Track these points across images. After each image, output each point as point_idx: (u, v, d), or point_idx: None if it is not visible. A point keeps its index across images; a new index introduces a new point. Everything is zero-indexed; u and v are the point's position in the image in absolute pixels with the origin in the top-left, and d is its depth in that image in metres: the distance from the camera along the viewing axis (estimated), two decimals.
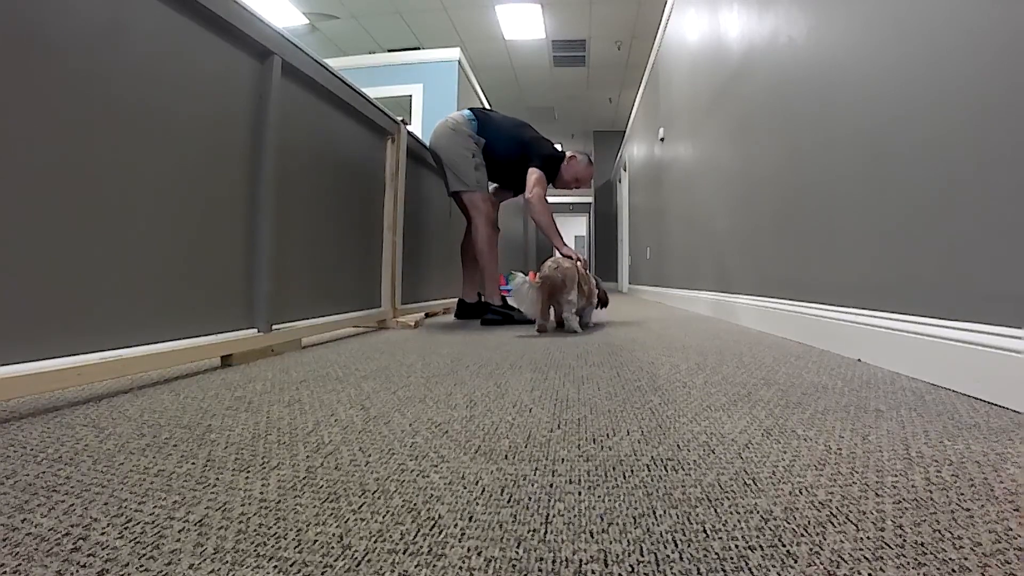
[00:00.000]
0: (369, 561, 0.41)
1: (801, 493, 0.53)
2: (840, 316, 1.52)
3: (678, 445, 0.69)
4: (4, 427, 0.76)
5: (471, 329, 2.29)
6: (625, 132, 8.27)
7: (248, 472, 0.59)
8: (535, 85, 8.21)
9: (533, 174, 2.48)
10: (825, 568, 0.40)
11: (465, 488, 0.55)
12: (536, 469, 0.61)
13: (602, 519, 0.48)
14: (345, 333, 2.12)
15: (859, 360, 1.37)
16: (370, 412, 0.85)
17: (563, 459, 0.64)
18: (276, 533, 0.45)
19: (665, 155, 4.72)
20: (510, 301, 2.13)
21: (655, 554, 0.42)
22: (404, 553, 0.42)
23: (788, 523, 0.47)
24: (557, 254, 2.33)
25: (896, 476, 0.58)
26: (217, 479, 0.57)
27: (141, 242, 1.10)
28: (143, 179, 1.11)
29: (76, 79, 0.96)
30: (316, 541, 0.44)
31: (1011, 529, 0.45)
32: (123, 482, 0.56)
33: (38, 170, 0.90)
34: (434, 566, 0.40)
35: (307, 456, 0.64)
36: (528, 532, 0.46)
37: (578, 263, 2.20)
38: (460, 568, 0.40)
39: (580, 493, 0.54)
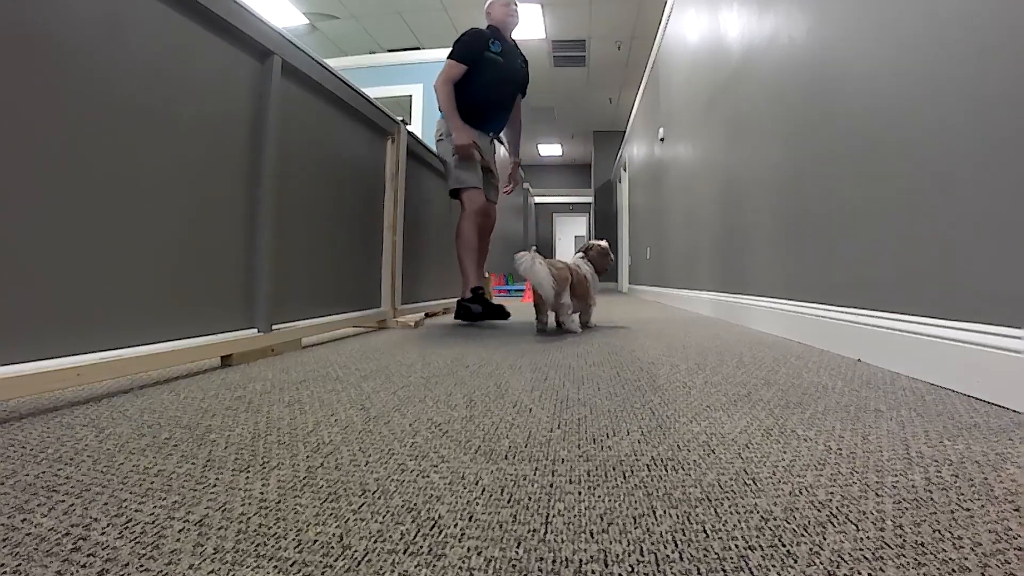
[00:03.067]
0: (369, 561, 0.41)
1: (801, 493, 0.53)
2: (840, 316, 1.52)
3: (678, 445, 0.69)
4: (4, 427, 0.76)
5: (471, 329, 2.29)
6: (625, 132, 8.27)
7: (248, 472, 0.59)
8: (535, 85, 8.17)
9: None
10: (825, 568, 0.40)
11: (465, 488, 0.55)
12: (536, 469, 0.61)
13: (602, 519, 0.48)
14: (345, 333, 2.12)
15: (859, 360, 1.37)
16: (370, 412, 0.85)
17: (563, 459, 0.64)
18: (276, 533, 0.45)
19: (665, 155, 4.72)
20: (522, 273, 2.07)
21: (655, 554, 0.42)
22: (404, 553, 0.42)
23: (788, 523, 0.47)
24: (556, 258, 2.31)
25: (896, 476, 0.58)
26: (217, 479, 0.57)
27: (141, 242, 1.10)
28: (143, 179, 1.11)
29: (76, 79, 0.96)
30: (316, 541, 0.44)
31: (1011, 529, 0.45)
32: (123, 482, 0.56)
33: (38, 170, 0.90)
34: (434, 566, 0.40)
35: (307, 456, 0.64)
36: (528, 532, 0.46)
37: (576, 264, 2.18)
38: (460, 568, 0.40)
39: (580, 493, 0.54)
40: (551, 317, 2.15)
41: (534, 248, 2.04)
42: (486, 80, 2.50)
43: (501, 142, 2.83)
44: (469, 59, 2.46)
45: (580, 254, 2.31)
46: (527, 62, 2.77)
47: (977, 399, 0.94)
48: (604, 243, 2.34)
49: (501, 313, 2.46)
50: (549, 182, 13.24)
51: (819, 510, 0.49)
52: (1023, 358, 0.86)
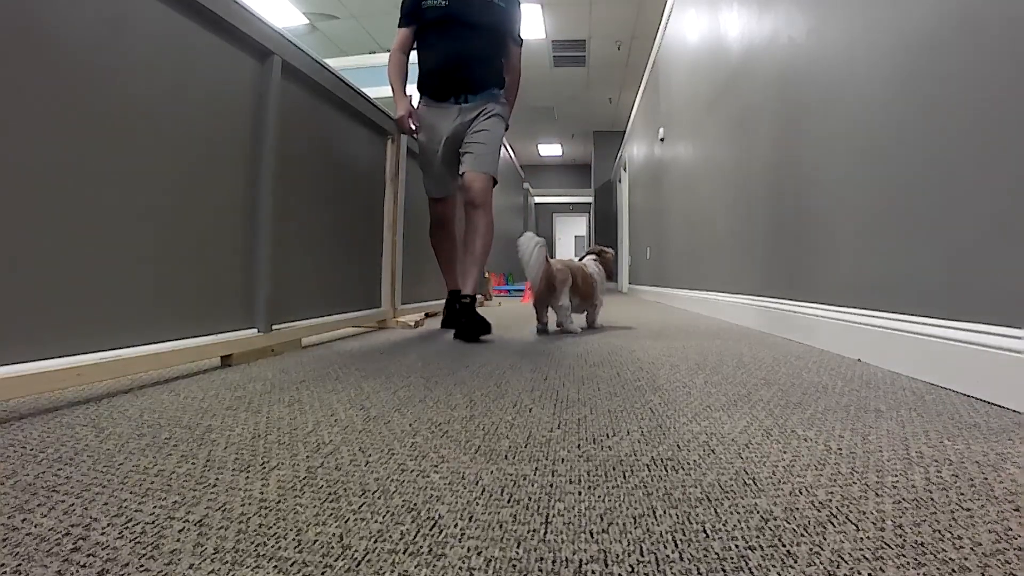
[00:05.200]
0: (369, 561, 0.41)
1: (801, 493, 0.53)
2: (840, 316, 1.52)
3: (678, 445, 0.69)
4: (4, 427, 0.76)
5: None
6: (625, 132, 8.27)
7: (248, 472, 0.59)
8: (535, 85, 8.20)
9: None
10: (825, 568, 0.40)
11: (465, 488, 0.55)
12: (536, 469, 0.60)
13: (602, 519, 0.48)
14: (345, 333, 2.11)
15: (859, 360, 1.37)
16: (370, 412, 0.85)
17: (563, 459, 0.64)
18: (276, 533, 0.45)
19: (665, 155, 4.72)
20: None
21: (655, 554, 0.42)
22: (404, 553, 0.42)
23: (788, 523, 0.47)
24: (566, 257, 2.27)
25: (896, 476, 0.58)
26: (217, 479, 0.57)
27: (141, 242, 1.10)
28: (143, 179, 1.11)
29: (76, 79, 0.96)
30: (316, 541, 0.44)
31: (1011, 529, 0.45)
32: (123, 482, 0.56)
33: (38, 170, 0.90)
34: (434, 566, 0.40)
35: (307, 456, 0.64)
36: (528, 532, 0.46)
37: (582, 264, 2.17)
38: (460, 568, 0.40)
39: (580, 493, 0.54)
40: (551, 319, 2.15)
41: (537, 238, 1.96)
42: (432, 34, 2.07)
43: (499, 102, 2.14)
44: (408, 19, 2.09)
45: (593, 256, 2.29)
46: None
47: (977, 399, 0.94)
48: (607, 251, 2.36)
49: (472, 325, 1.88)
50: (549, 182, 13.23)
51: (819, 510, 0.49)
52: (1023, 358, 0.86)
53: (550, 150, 12.06)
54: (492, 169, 2.04)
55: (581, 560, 0.41)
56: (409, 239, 2.65)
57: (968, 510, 0.49)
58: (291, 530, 0.46)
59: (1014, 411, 0.85)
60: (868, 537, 0.44)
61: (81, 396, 0.96)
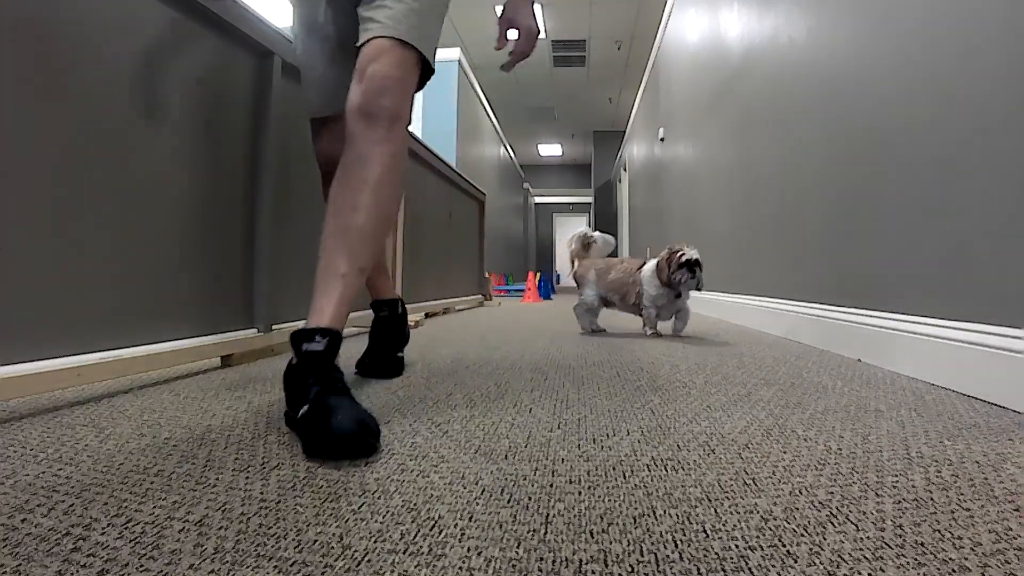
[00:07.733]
0: (369, 561, 0.41)
1: (801, 493, 0.53)
2: (840, 316, 1.52)
3: (678, 445, 0.69)
4: (4, 427, 0.76)
5: (471, 328, 2.29)
6: (625, 132, 8.28)
7: (248, 472, 0.59)
8: (535, 85, 8.20)
9: None
10: (825, 568, 0.40)
11: (465, 488, 0.55)
12: (536, 469, 0.60)
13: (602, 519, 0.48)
14: (345, 333, 2.11)
15: (859, 360, 1.37)
16: (370, 412, 0.85)
17: (563, 459, 0.64)
18: (276, 533, 0.45)
19: (665, 155, 4.72)
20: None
21: (655, 554, 0.42)
22: (404, 553, 0.42)
23: (788, 523, 0.47)
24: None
25: (896, 476, 0.58)
26: (217, 479, 0.57)
27: (141, 242, 1.10)
28: (143, 179, 1.11)
29: (76, 79, 0.96)
30: (316, 541, 0.44)
31: (1011, 529, 0.45)
32: (123, 482, 0.56)
33: (39, 169, 0.90)
34: (434, 566, 0.40)
35: (307, 456, 0.64)
36: (528, 532, 0.46)
37: (615, 262, 2.08)
38: (460, 568, 0.40)
39: (580, 493, 0.54)
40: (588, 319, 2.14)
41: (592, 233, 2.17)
42: None
43: None
44: None
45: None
46: None
47: (977, 399, 0.94)
48: (678, 252, 1.85)
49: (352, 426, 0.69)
50: (549, 182, 13.25)
51: (819, 510, 0.49)
52: (1023, 358, 0.86)
53: (550, 150, 12.06)
54: (415, 36, 0.94)
55: (581, 560, 0.41)
56: (409, 239, 2.65)
57: (968, 510, 0.49)
58: (291, 530, 0.46)
59: (1014, 411, 0.85)
60: (868, 537, 0.44)
61: (81, 396, 0.96)
